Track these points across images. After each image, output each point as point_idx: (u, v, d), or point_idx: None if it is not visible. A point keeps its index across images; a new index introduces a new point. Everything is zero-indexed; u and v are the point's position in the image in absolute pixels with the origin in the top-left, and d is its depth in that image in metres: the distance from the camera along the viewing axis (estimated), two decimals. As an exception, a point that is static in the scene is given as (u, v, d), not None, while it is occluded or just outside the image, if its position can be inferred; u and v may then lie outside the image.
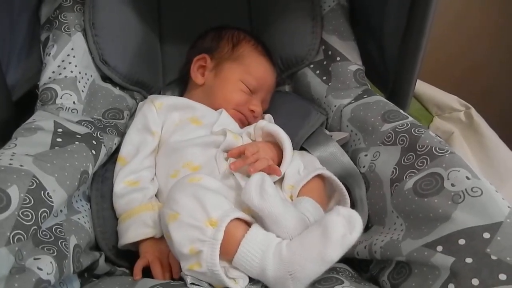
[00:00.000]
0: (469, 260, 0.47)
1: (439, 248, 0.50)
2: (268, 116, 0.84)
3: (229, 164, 0.64)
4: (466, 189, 0.52)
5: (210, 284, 0.53)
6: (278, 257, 0.51)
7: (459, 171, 0.54)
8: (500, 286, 0.44)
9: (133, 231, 0.64)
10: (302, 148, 0.76)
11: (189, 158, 0.69)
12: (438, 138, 0.61)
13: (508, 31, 1.46)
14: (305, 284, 0.50)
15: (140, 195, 0.67)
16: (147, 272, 0.60)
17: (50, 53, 0.76)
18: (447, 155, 0.57)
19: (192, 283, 0.53)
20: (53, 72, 0.75)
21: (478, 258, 0.46)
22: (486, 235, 0.47)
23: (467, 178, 0.53)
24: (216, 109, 0.78)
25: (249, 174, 0.61)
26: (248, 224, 0.55)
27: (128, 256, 0.66)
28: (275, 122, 0.81)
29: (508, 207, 0.49)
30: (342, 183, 0.68)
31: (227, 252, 0.52)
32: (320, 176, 0.68)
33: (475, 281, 0.45)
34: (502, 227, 0.47)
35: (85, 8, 0.81)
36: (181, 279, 0.56)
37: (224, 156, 0.68)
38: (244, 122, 0.77)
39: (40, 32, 0.81)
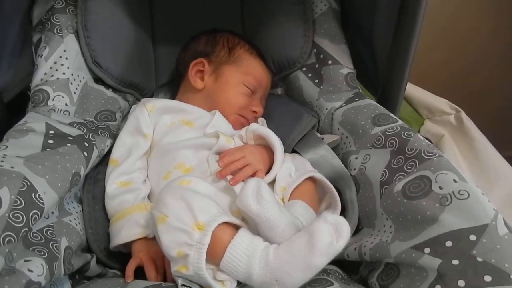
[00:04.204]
0: (455, 262, 0.48)
1: (427, 250, 0.50)
2: (261, 119, 0.84)
3: (215, 172, 0.64)
4: (453, 192, 0.53)
5: (200, 286, 0.54)
6: (264, 263, 0.51)
7: (446, 174, 0.55)
8: (485, 287, 0.45)
9: (126, 231, 0.64)
10: (293, 151, 0.77)
11: (181, 159, 0.69)
12: (427, 141, 0.62)
13: (499, 36, 1.48)
14: None
15: (132, 196, 0.67)
16: (138, 274, 0.60)
17: (42, 55, 0.76)
18: (435, 158, 0.58)
19: (183, 285, 0.53)
20: (45, 73, 0.75)
21: (464, 260, 0.47)
22: (472, 237, 0.48)
23: (454, 181, 0.54)
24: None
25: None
26: (237, 227, 0.55)
27: (119, 258, 0.66)
28: (268, 125, 0.81)
29: (494, 209, 0.50)
30: (333, 186, 0.69)
31: (214, 256, 0.52)
32: (311, 179, 0.69)
33: (461, 283, 0.46)
34: (488, 229, 0.48)
35: (77, 10, 0.81)
36: (173, 280, 0.56)
37: (216, 158, 0.68)
38: (245, 125, 0.77)
39: (32, 34, 0.80)
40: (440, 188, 0.54)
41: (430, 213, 0.53)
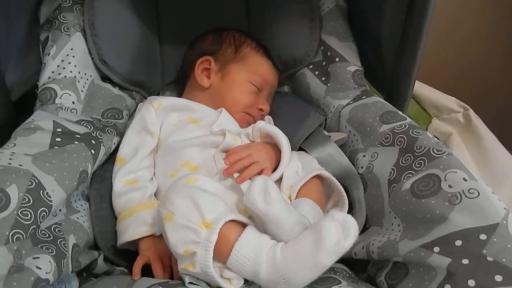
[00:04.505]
0: (465, 261, 0.47)
1: (436, 249, 0.50)
2: (267, 117, 0.84)
3: (222, 170, 0.64)
4: (463, 191, 0.52)
5: (208, 284, 0.54)
6: (271, 261, 0.51)
7: (456, 172, 0.54)
8: (496, 287, 0.44)
9: (133, 229, 0.64)
10: (300, 149, 0.77)
11: (188, 158, 0.69)
12: (436, 139, 0.62)
13: (504, 33, 1.46)
14: None
15: (139, 194, 0.68)
16: (145, 271, 0.60)
17: (49, 53, 0.76)
18: (444, 157, 0.57)
19: (190, 283, 0.53)
20: (53, 72, 0.75)
21: (474, 259, 0.47)
22: (483, 237, 0.48)
23: (464, 179, 0.53)
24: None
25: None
26: (244, 225, 0.55)
27: (126, 255, 0.66)
28: (274, 123, 0.81)
29: (504, 208, 0.49)
30: (340, 184, 0.68)
31: (221, 254, 0.52)
32: (318, 177, 0.68)
33: (471, 282, 0.45)
34: (498, 228, 0.48)
35: (84, 8, 0.81)
36: (180, 278, 0.56)
37: (222, 156, 0.68)
38: (251, 124, 0.76)
39: (39, 32, 0.81)
40: (450, 186, 0.54)
41: (439, 211, 0.52)
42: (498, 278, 0.44)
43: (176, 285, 0.53)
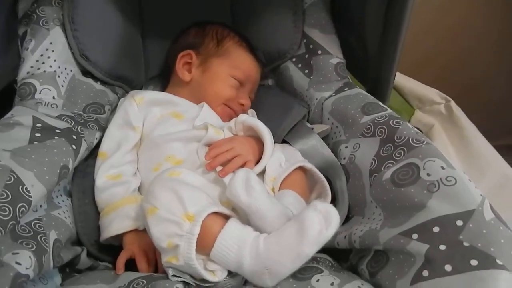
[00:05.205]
0: (442, 247, 0.48)
1: (415, 236, 0.51)
2: (251, 110, 0.84)
3: (205, 164, 0.64)
4: (441, 179, 0.53)
5: (191, 276, 0.54)
6: (255, 252, 0.51)
7: (434, 161, 0.55)
8: (471, 271, 0.45)
9: (117, 224, 0.64)
10: (284, 141, 0.77)
11: (172, 152, 0.69)
12: (415, 129, 0.63)
13: (490, 26, 1.48)
14: (281, 278, 0.51)
15: (122, 188, 0.67)
16: (129, 265, 0.60)
17: (28, 48, 0.75)
18: (423, 146, 0.58)
19: (174, 275, 0.53)
20: (32, 66, 0.74)
21: (451, 245, 0.48)
22: (459, 223, 0.49)
23: (442, 168, 0.54)
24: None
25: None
26: (227, 217, 0.55)
27: (110, 250, 0.66)
28: (258, 116, 0.81)
29: (481, 195, 0.50)
30: (323, 175, 0.69)
31: (205, 246, 0.52)
32: (301, 168, 0.69)
33: (448, 267, 0.46)
34: (474, 214, 0.48)
35: (63, 2, 0.80)
36: (164, 272, 0.56)
37: (205, 150, 0.68)
38: (233, 117, 0.77)
39: (17, 27, 0.79)
40: (428, 175, 0.55)
41: (418, 199, 0.53)
42: (474, 262, 0.45)
43: (160, 278, 0.54)
